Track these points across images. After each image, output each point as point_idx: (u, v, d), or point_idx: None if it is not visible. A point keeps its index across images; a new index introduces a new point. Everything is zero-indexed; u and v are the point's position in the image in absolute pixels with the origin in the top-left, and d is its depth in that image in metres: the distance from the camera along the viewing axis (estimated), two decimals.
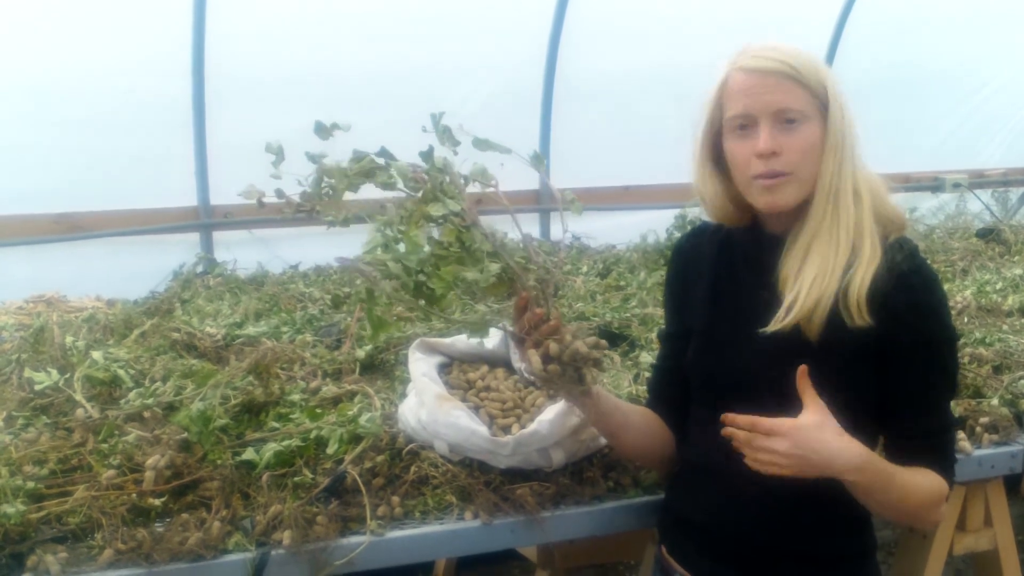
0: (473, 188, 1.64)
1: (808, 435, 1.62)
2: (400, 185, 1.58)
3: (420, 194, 1.57)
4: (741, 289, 1.82)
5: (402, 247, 1.55)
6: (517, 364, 2.16)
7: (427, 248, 1.56)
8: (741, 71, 1.70)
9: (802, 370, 1.64)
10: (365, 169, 1.57)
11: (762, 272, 1.77)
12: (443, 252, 1.57)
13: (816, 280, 1.67)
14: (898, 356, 1.69)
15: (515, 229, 1.68)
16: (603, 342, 1.70)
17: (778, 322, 1.68)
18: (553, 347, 1.65)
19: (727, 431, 1.67)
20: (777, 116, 1.68)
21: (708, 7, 5.25)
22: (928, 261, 1.82)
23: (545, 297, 1.66)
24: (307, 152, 1.57)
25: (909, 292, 1.68)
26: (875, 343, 1.68)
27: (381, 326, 1.61)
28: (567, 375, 1.67)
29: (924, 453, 1.73)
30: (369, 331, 1.68)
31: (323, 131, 1.60)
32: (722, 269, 1.85)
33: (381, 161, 1.59)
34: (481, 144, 1.65)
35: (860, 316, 1.66)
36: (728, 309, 1.82)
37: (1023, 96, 6.44)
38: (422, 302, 1.57)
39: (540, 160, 1.71)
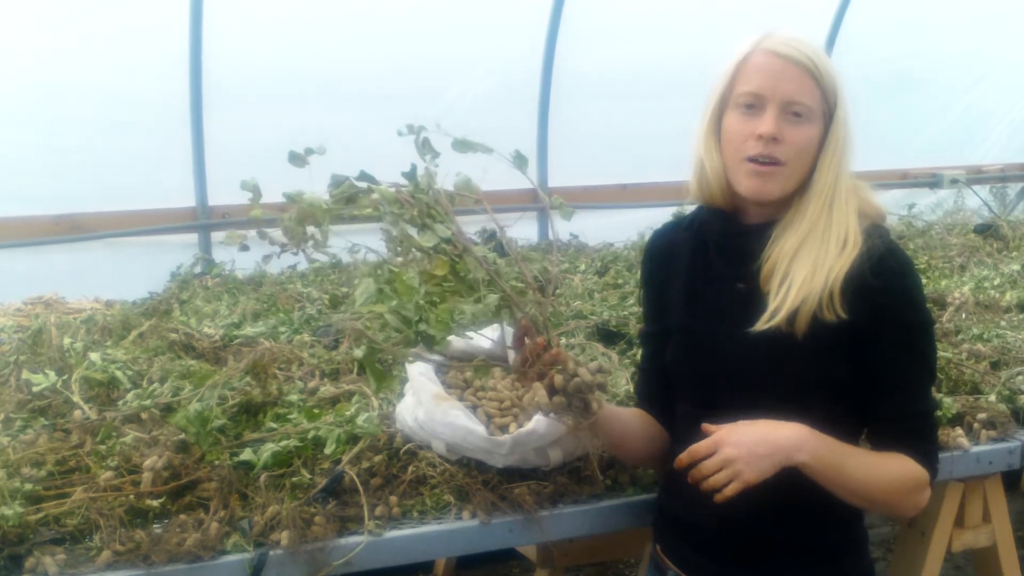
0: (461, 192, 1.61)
1: (743, 431, 1.66)
2: (386, 210, 1.51)
3: (407, 219, 1.51)
4: (716, 283, 1.82)
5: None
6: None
7: (420, 287, 1.50)
8: (765, 52, 1.71)
9: (704, 427, 1.70)
10: (346, 194, 1.50)
11: (738, 262, 1.78)
12: (436, 288, 1.52)
13: (804, 281, 1.68)
14: (873, 340, 1.71)
15: (506, 230, 1.65)
16: (606, 365, 1.69)
17: (764, 323, 1.70)
18: (558, 379, 1.62)
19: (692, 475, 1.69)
20: (786, 106, 1.70)
21: (706, 2, 5.24)
22: (905, 249, 1.84)
23: (544, 324, 1.63)
24: (284, 192, 1.51)
25: (883, 277, 1.69)
26: (850, 331, 1.69)
27: (384, 380, 1.57)
28: (572, 405, 1.65)
29: (901, 437, 1.73)
30: (373, 384, 1.63)
31: (298, 159, 1.51)
32: (697, 265, 1.86)
33: (363, 185, 1.52)
34: (461, 146, 1.59)
35: (831, 310, 1.68)
36: (705, 305, 1.83)
37: (1021, 91, 6.43)
38: (421, 346, 1.52)
39: (523, 160, 1.67)
